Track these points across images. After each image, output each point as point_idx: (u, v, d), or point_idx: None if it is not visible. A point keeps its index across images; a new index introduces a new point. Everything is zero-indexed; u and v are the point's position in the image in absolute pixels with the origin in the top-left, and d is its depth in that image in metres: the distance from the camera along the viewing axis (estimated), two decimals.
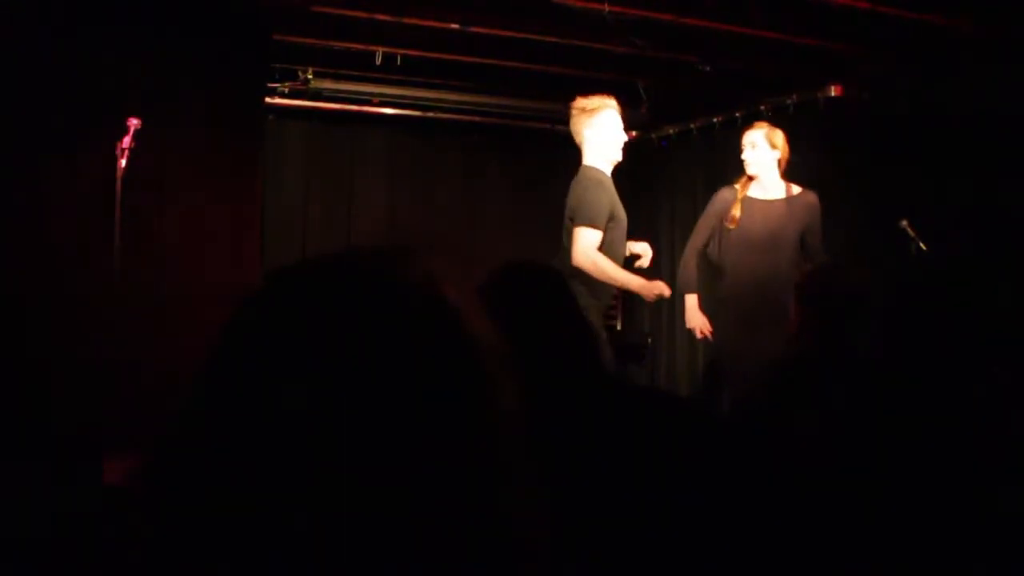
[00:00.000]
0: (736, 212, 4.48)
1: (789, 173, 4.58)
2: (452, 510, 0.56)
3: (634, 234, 4.46)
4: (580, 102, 4.26)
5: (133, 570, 0.57)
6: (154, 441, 0.59)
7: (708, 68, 5.47)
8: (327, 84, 6.05)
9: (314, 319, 0.58)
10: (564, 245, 4.11)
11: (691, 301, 4.56)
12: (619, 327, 5.03)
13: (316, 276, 0.62)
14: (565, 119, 4.44)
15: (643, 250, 4.48)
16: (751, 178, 4.54)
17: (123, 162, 4.08)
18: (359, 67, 5.75)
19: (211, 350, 0.60)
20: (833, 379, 2.50)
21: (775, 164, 4.49)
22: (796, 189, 4.53)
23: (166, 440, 0.59)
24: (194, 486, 0.56)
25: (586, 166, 4.20)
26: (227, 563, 0.54)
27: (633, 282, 4.11)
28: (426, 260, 0.63)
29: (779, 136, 4.51)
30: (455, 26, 4.87)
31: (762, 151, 4.47)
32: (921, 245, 4.40)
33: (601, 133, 4.19)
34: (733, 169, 6.21)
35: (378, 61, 5.48)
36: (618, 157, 4.23)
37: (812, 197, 4.51)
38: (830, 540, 1.32)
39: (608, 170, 4.20)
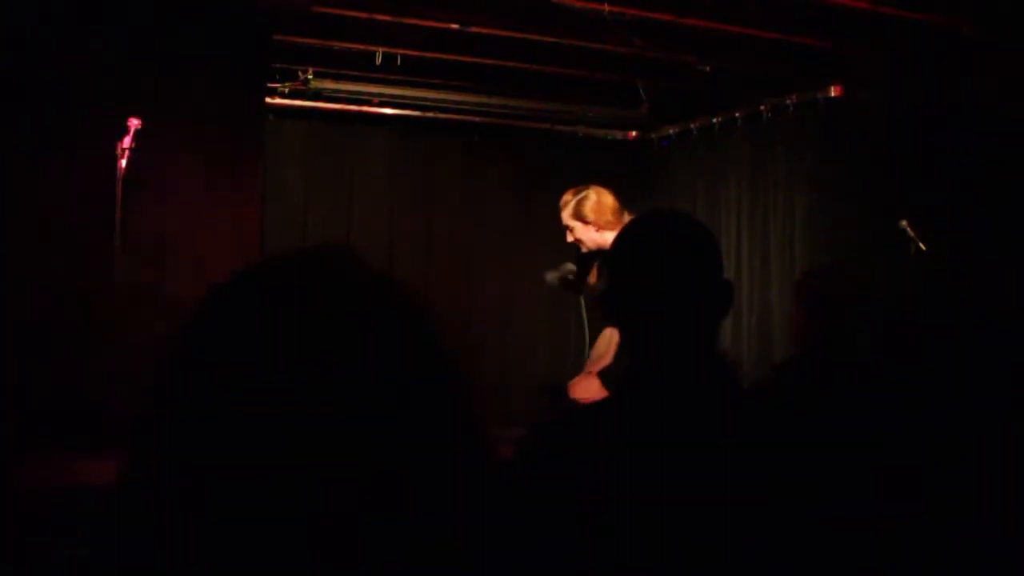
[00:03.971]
0: None
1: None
2: (417, 484, 0.57)
3: None
4: (606, 214, 3.72)
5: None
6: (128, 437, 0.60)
7: (708, 68, 5.47)
8: (327, 84, 6.05)
9: (277, 307, 0.59)
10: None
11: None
12: None
13: (275, 271, 0.62)
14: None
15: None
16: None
17: (123, 162, 4.08)
18: (359, 67, 5.76)
19: (178, 335, 0.61)
20: (833, 378, 2.50)
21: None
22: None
23: (138, 436, 0.59)
24: (168, 480, 0.57)
25: None
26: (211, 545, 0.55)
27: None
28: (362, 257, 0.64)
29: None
30: (455, 26, 4.87)
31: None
32: (921, 245, 4.40)
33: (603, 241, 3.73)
34: (733, 169, 6.22)
35: (378, 61, 5.48)
36: None
37: None
38: (830, 540, 1.32)
39: None
